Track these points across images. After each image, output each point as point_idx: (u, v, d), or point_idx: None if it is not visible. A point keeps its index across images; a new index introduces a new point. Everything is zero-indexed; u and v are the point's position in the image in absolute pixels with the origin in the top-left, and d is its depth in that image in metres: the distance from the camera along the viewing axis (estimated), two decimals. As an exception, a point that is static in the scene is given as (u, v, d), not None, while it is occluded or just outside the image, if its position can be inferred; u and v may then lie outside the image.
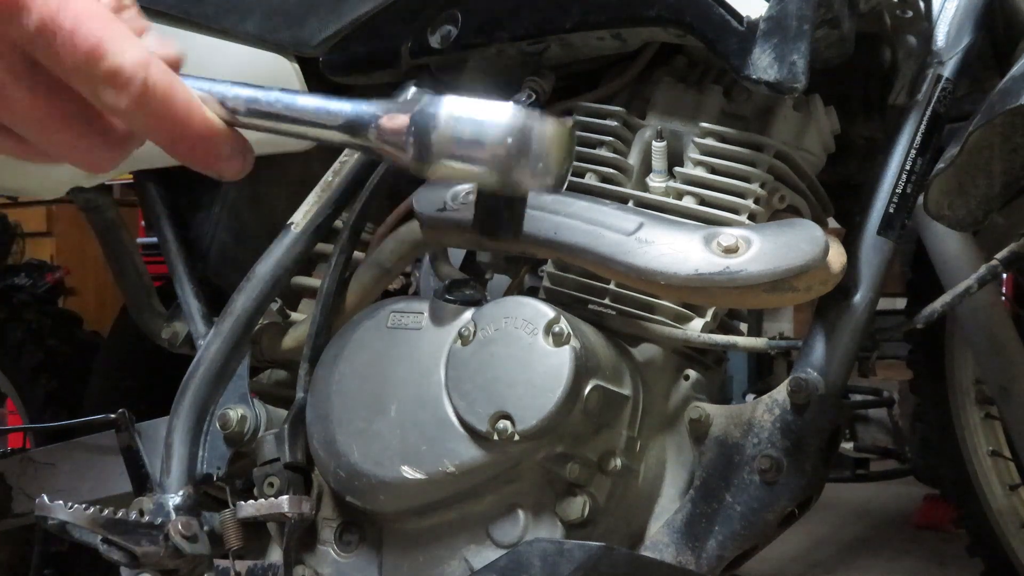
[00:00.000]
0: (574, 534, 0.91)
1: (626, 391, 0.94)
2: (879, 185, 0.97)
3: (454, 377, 0.92)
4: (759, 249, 0.86)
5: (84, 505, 0.97)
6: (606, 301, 1.00)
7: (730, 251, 0.86)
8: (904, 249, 1.46)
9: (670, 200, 0.98)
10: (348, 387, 0.98)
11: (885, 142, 0.99)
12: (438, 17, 1.06)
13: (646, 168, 1.02)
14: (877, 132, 1.11)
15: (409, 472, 0.92)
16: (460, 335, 0.93)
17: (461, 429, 0.91)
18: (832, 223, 1.12)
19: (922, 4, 0.98)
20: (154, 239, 1.25)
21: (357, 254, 1.12)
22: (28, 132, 0.49)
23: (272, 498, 0.99)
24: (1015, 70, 0.90)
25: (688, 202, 0.98)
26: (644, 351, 0.99)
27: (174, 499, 1.02)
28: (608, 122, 1.02)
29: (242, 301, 1.06)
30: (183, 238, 1.22)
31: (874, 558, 2.40)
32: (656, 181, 1.00)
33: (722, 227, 0.90)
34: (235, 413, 1.04)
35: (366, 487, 0.95)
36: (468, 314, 0.95)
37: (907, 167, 0.97)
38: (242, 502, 0.99)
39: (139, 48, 0.47)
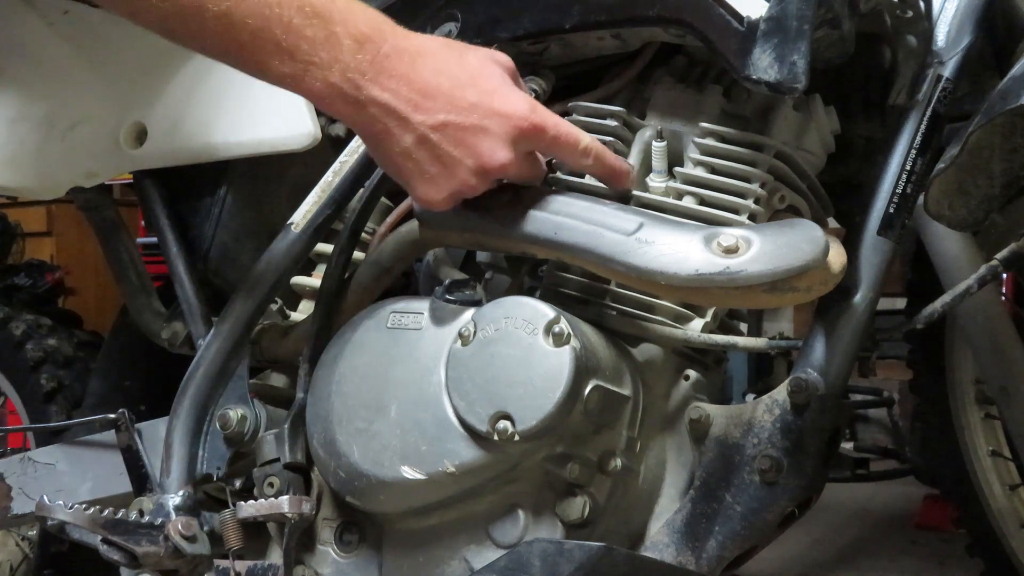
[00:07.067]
0: (574, 534, 0.91)
1: (626, 391, 0.94)
2: (879, 185, 0.97)
3: (454, 377, 0.92)
4: (759, 249, 0.86)
5: (84, 505, 0.97)
6: (606, 301, 1.00)
7: (730, 251, 0.86)
8: (904, 249, 1.46)
9: (670, 200, 0.98)
10: (348, 387, 0.98)
11: (885, 142, 0.99)
12: (438, 16, 1.07)
13: (646, 168, 1.02)
14: (877, 132, 1.11)
15: (409, 472, 0.92)
16: (460, 335, 0.93)
17: (461, 429, 0.91)
18: (832, 223, 1.12)
19: (922, 4, 0.97)
20: (154, 239, 1.25)
21: (357, 254, 1.12)
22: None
23: (272, 498, 0.99)
24: (1015, 70, 0.90)
25: (688, 202, 0.98)
26: (644, 351, 0.99)
27: (174, 499, 1.01)
28: (608, 122, 1.02)
29: (242, 301, 1.06)
30: (183, 238, 1.22)
31: (874, 558, 2.40)
32: (656, 181, 1.00)
33: (722, 227, 0.90)
34: (235, 413, 1.04)
35: (366, 487, 0.95)
36: (468, 314, 0.95)
37: (907, 167, 0.97)
38: (242, 502, 0.99)
39: (586, 135, 0.95)
